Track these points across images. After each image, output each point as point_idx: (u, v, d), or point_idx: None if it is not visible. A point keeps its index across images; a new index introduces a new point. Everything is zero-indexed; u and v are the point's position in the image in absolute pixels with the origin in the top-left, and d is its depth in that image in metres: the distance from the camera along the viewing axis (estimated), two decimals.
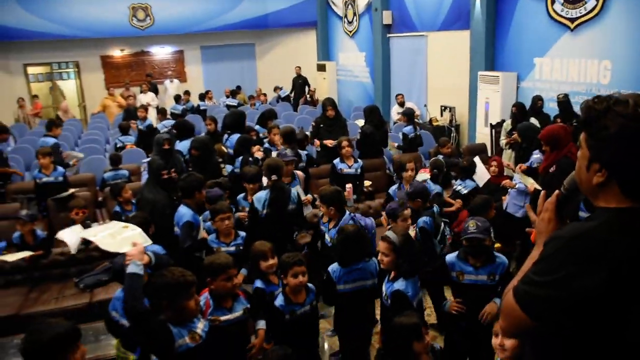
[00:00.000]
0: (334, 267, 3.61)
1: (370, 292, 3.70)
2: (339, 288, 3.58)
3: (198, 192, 4.42)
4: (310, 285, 3.45)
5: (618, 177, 1.44)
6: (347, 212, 4.29)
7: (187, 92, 13.70)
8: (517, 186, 5.31)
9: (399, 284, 3.22)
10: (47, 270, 5.22)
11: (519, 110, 7.57)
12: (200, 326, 2.74)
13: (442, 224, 4.71)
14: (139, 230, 3.12)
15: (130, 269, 2.69)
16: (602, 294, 1.38)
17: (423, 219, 4.45)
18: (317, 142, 7.24)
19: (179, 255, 4.08)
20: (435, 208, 4.71)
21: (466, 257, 3.38)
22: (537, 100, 7.83)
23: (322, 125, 7.45)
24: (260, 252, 3.54)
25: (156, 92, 14.29)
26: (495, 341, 2.57)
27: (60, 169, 6.65)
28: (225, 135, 6.79)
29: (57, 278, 5.22)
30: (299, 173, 5.53)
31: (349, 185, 5.73)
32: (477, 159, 5.96)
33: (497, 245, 4.57)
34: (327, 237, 4.30)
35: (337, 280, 3.58)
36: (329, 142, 7.03)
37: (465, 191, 5.78)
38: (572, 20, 7.96)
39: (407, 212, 4.16)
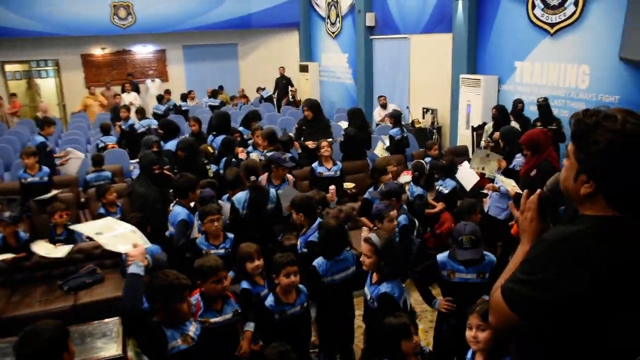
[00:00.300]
0: (319, 261, 3.69)
1: (352, 281, 3.80)
2: (326, 280, 3.66)
3: (191, 192, 4.53)
4: (301, 286, 3.50)
5: (605, 191, 1.50)
6: (318, 220, 4.28)
7: (167, 92, 13.60)
8: (500, 189, 5.41)
9: (385, 287, 3.27)
10: (30, 273, 5.17)
11: (500, 113, 7.71)
12: (192, 329, 2.78)
13: (415, 220, 4.87)
14: (139, 233, 3.13)
15: (132, 269, 2.71)
16: (584, 299, 1.44)
17: (403, 217, 4.58)
18: (296, 144, 7.22)
19: (173, 254, 4.14)
20: (404, 206, 4.84)
21: (456, 256, 3.47)
22: (518, 103, 7.98)
23: (304, 127, 7.44)
24: (247, 254, 3.57)
25: (138, 91, 14.20)
26: (469, 334, 2.68)
27: (45, 169, 6.59)
28: (211, 137, 6.80)
29: (40, 280, 5.18)
30: (289, 176, 5.57)
31: (332, 187, 5.76)
32: (465, 164, 6.03)
33: None
34: (298, 242, 4.32)
35: (325, 273, 3.66)
36: (310, 144, 7.04)
37: (446, 191, 5.86)
38: (552, 25, 8.12)
39: (394, 213, 4.22)
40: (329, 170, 6.08)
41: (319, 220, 4.21)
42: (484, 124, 8.76)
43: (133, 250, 2.79)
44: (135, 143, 9.25)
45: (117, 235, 2.99)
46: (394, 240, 3.57)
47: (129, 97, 13.21)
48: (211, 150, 6.48)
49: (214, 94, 14.26)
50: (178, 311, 2.69)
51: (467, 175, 5.88)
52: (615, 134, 1.43)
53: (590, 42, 7.57)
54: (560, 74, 8.12)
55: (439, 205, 5.76)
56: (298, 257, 4.05)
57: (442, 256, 3.55)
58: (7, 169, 8.67)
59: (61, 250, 5.07)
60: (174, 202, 4.71)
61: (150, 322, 2.63)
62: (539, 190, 1.75)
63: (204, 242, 4.24)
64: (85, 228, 3.20)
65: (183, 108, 12.89)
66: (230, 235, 4.35)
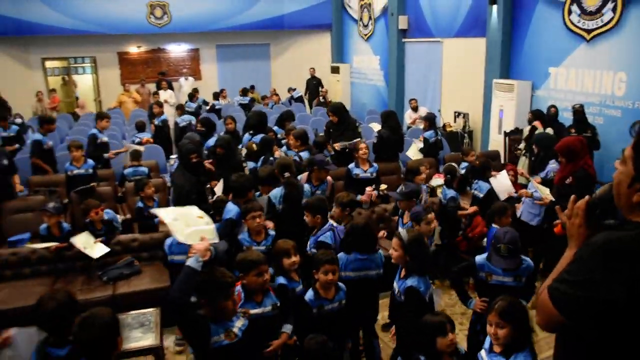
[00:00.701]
0: (340, 255, 3.80)
1: (375, 282, 3.92)
2: (343, 275, 3.78)
3: (249, 191, 4.69)
4: (341, 284, 3.59)
5: None
6: (329, 222, 4.36)
7: (196, 90, 13.73)
8: (533, 195, 5.40)
9: (411, 281, 3.36)
10: (71, 263, 5.36)
11: (535, 117, 7.62)
12: (239, 325, 2.85)
13: None
14: (212, 225, 3.18)
15: (190, 262, 2.73)
16: (622, 307, 1.48)
17: None
18: (329, 146, 7.29)
19: None
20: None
21: (492, 262, 3.57)
22: (550, 108, 7.93)
23: (331, 130, 7.54)
24: (283, 250, 3.64)
25: (172, 89, 14.46)
26: (490, 330, 2.81)
27: (90, 161, 6.84)
28: (247, 135, 6.92)
29: (80, 270, 5.37)
30: (329, 178, 5.67)
31: (369, 189, 5.82)
32: (504, 173, 6.00)
33: None
34: (308, 243, 4.39)
35: (343, 268, 3.78)
36: (337, 146, 7.16)
37: (481, 195, 5.82)
38: (588, 31, 8.05)
39: (432, 215, 4.29)
40: (365, 171, 6.15)
41: (330, 222, 4.33)
42: (517, 129, 8.73)
43: (198, 244, 2.82)
44: (168, 139, 9.50)
45: (190, 224, 3.05)
46: (423, 238, 3.64)
47: (165, 95, 13.46)
48: (255, 148, 6.57)
49: (244, 92, 14.45)
50: (223, 308, 2.76)
51: (501, 184, 5.86)
52: None
53: (628, 49, 7.50)
54: (596, 80, 8.04)
55: (472, 209, 5.77)
56: (307, 258, 4.12)
57: (480, 258, 3.65)
58: None
59: (97, 250, 5.20)
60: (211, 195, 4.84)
61: (197, 315, 2.71)
62: (587, 197, 1.79)
63: (247, 239, 4.33)
64: (165, 213, 3.22)
65: (216, 107, 13.08)
66: (272, 233, 4.44)
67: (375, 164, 6.39)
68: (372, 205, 6.10)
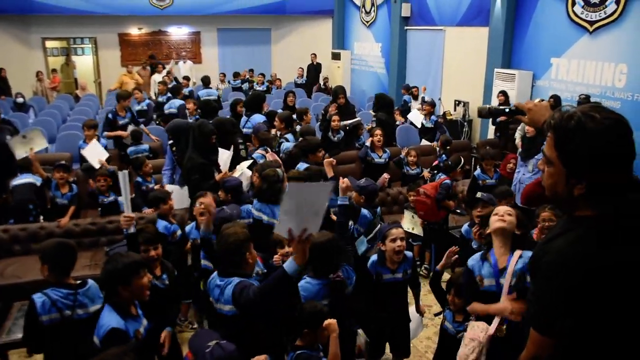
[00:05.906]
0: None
1: None
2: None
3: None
4: (408, 253, 3.63)
5: (595, 188, 1.56)
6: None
7: (186, 78, 13.04)
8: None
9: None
10: (78, 239, 5.44)
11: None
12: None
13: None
14: None
15: (288, 266, 2.49)
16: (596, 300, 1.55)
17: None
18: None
19: None
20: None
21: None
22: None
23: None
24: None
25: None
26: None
27: (102, 140, 7.07)
28: (244, 117, 6.97)
29: (88, 246, 5.49)
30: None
31: (386, 175, 5.88)
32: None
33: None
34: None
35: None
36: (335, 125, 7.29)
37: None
38: (591, 23, 8.12)
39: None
40: (380, 157, 6.40)
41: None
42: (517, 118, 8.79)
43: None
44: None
45: None
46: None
47: (158, 78, 13.31)
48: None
49: (235, 75, 14.23)
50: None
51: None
52: (598, 133, 1.50)
53: (629, 41, 7.58)
54: (597, 72, 8.13)
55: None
56: None
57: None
58: (50, 141, 8.97)
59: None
60: None
61: None
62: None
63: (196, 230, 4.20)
64: None
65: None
66: None
67: (387, 150, 6.64)
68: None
